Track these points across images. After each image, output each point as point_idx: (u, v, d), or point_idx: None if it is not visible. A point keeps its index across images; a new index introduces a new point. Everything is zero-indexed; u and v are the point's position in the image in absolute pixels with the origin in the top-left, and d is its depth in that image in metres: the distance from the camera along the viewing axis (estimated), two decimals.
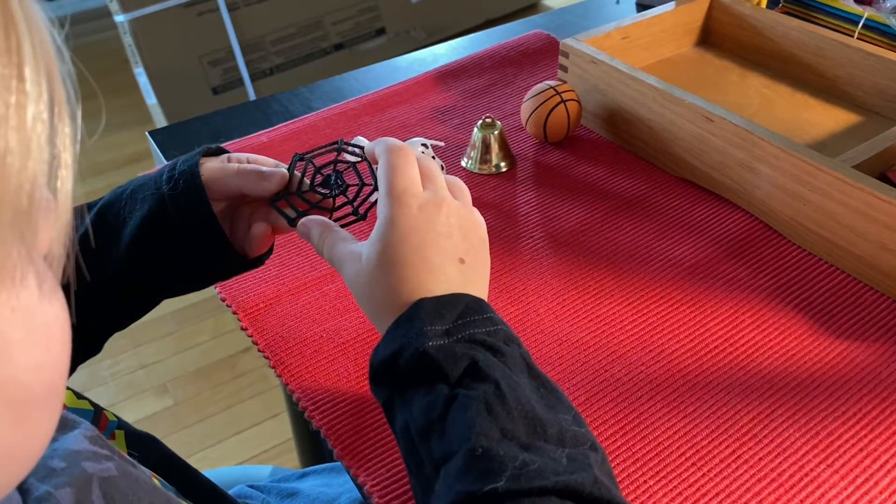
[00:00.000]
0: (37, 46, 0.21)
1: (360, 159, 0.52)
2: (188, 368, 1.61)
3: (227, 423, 1.50)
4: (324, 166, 0.52)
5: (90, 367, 1.60)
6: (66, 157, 0.23)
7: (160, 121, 2.20)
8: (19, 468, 0.25)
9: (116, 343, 1.67)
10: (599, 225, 0.67)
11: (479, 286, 0.45)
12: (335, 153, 0.52)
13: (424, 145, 0.69)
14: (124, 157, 2.26)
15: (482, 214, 0.67)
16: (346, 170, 0.52)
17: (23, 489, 0.28)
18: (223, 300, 0.60)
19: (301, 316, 0.59)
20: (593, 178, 0.73)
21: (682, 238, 0.65)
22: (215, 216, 0.49)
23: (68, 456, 0.30)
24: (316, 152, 0.53)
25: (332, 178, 0.51)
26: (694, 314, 0.58)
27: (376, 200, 0.47)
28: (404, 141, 0.69)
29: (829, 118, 0.77)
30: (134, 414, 1.52)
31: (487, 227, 0.66)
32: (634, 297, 0.60)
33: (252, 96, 2.28)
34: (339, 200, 0.51)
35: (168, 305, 1.75)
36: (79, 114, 0.24)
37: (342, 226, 0.49)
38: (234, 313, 0.59)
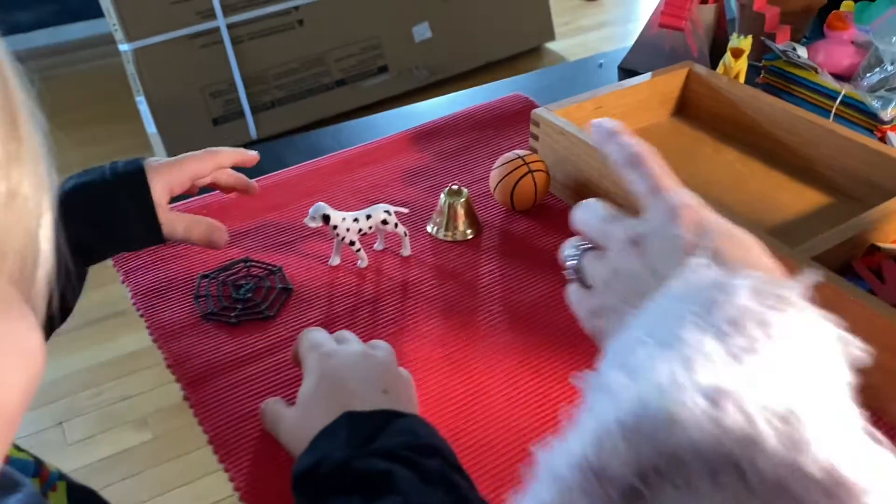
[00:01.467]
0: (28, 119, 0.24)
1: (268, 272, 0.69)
2: (170, 402, 1.60)
3: (205, 459, 1.48)
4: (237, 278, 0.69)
5: (71, 397, 1.59)
6: (48, 217, 0.25)
7: (160, 150, 2.22)
8: None
9: (100, 372, 1.66)
10: (560, 299, 0.66)
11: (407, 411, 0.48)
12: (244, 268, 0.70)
13: (387, 212, 0.69)
14: None
15: (443, 283, 0.68)
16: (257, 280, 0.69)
17: None
18: (148, 328, 0.63)
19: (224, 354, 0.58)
20: (558, 248, 0.72)
21: None
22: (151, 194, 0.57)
23: None
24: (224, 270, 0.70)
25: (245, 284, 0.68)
26: None
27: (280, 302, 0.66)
28: (369, 207, 0.69)
29: (801, 199, 0.76)
30: (111, 447, 1.50)
31: (447, 298, 0.66)
32: None
33: (252, 128, 2.30)
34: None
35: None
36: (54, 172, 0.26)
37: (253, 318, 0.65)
38: (165, 360, 0.59)
